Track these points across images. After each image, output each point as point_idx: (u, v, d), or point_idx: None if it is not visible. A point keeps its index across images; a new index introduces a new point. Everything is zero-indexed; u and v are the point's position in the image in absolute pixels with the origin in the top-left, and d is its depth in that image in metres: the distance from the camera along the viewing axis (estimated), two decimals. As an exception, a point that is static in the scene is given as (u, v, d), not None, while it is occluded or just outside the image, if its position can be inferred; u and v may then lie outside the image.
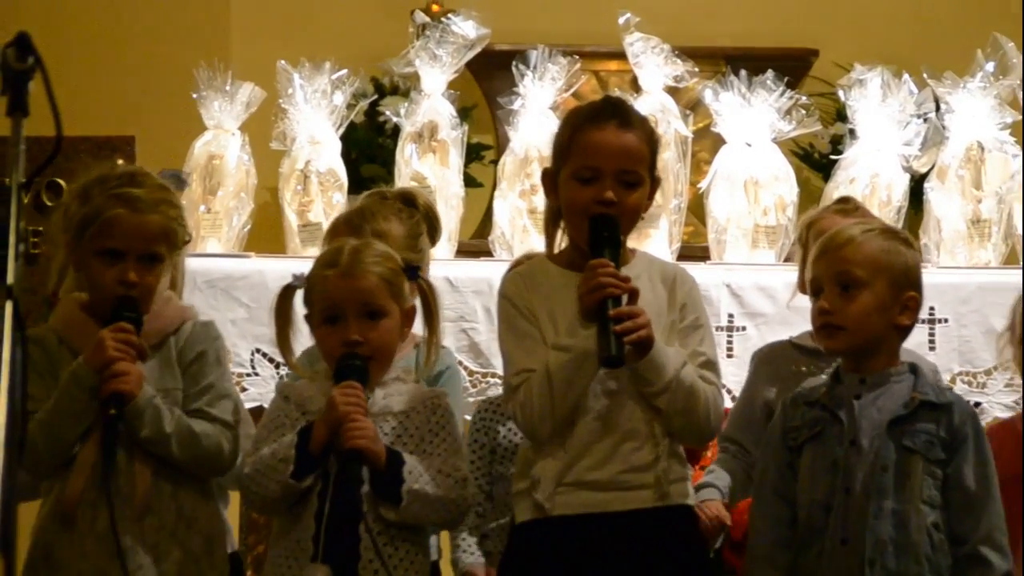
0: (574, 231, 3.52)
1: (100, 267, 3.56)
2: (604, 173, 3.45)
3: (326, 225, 5.18)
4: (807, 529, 3.53)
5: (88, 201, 3.56)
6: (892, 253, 3.62)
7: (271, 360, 4.90)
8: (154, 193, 3.61)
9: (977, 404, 4.81)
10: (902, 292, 3.61)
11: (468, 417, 4.25)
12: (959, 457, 3.52)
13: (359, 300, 3.54)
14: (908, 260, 3.65)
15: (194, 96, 5.36)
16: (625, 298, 3.38)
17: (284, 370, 4.71)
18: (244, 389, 4.90)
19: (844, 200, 4.51)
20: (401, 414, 3.57)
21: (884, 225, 3.86)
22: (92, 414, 3.50)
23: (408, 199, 4.18)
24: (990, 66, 5.24)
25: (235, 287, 5.01)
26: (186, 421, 3.56)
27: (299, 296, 3.65)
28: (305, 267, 3.67)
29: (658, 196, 3.69)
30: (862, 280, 3.58)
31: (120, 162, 3.92)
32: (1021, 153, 5.24)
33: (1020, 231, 5.22)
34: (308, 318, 3.64)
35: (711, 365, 3.52)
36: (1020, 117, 5.27)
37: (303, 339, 3.70)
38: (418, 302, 3.67)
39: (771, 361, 4.22)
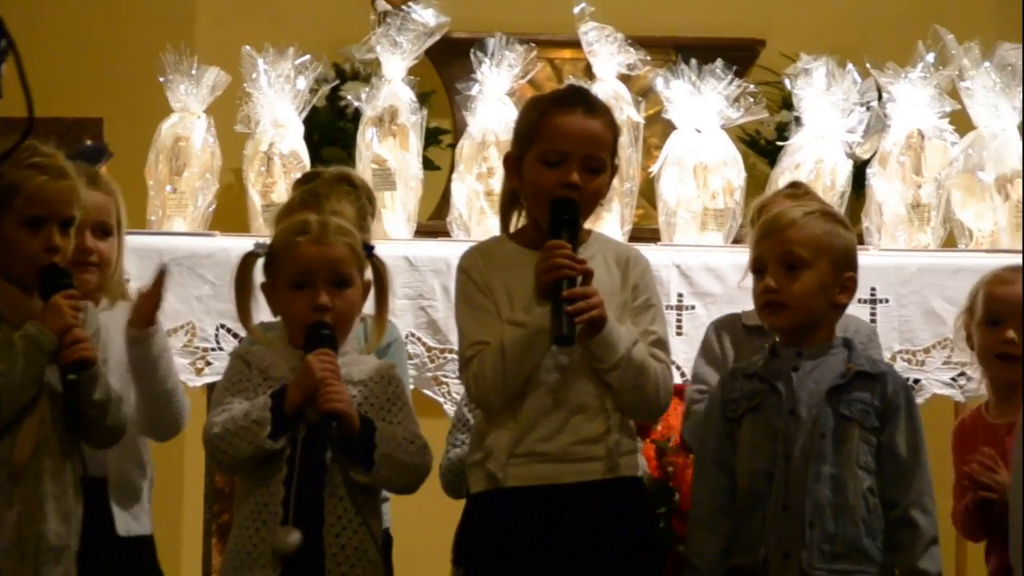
0: (537, 212, 3.57)
1: (25, 236, 3.54)
2: (570, 157, 3.51)
3: (290, 206, 5.30)
4: (749, 497, 3.60)
5: None
6: (833, 235, 3.69)
7: (235, 335, 4.90)
8: (59, 160, 3.61)
9: (916, 381, 4.82)
10: (842, 272, 3.69)
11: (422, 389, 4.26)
12: (891, 426, 3.60)
13: (330, 267, 3.58)
14: (847, 241, 3.72)
15: (161, 80, 5.34)
16: (580, 279, 3.44)
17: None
18: (209, 363, 4.94)
19: (795, 185, 4.54)
20: (361, 383, 3.61)
21: (823, 207, 3.91)
22: (42, 378, 3.53)
23: (349, 180, 4.22)
24: (930, 57, 5.24)
25: (200, 265, 5.01)
26: (115, 389, 3.63)
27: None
28: (266, 239, 3.71)
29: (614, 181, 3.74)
30: (806, 260, 3.65)
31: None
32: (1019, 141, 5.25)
33: (957, 215, 5.28)
34: (267, 287, 3.66)
35: (662, 344, 3.58)
36: (959, 106, 5.32)
37: (258, 312, 3.73)
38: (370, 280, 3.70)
39: (729, 329, 4.24)
